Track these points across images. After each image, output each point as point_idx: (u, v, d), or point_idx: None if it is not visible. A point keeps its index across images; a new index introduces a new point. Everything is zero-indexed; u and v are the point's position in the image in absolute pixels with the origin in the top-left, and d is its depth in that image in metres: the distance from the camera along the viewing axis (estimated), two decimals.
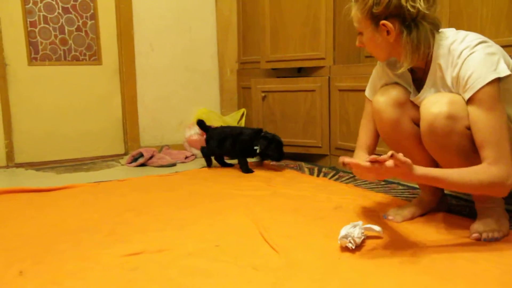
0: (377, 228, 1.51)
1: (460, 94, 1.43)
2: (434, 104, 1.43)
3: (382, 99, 1.63)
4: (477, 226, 1.53)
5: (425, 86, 1.55)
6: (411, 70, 1.62)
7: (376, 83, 1.74)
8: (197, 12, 3.59)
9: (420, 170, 1.32)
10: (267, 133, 2.72)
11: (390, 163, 1.28)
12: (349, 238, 1.42)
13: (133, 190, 2.30)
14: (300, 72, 2.97)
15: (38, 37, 3.05)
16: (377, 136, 1.73)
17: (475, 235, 1.50)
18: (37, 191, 2.29)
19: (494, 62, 1.37)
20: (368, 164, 1.30)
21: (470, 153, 1.43)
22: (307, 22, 2.84)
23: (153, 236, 1.61)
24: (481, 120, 1.36)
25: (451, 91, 1.47)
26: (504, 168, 1.33)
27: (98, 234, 1.64)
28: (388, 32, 1.48)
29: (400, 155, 1.27)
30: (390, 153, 1.28)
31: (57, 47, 3.12)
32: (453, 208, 1.87)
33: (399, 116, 1.61)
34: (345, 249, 1.43)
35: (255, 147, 2.67)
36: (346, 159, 1.34)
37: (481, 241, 1.49)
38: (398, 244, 1.49)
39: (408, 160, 1.28)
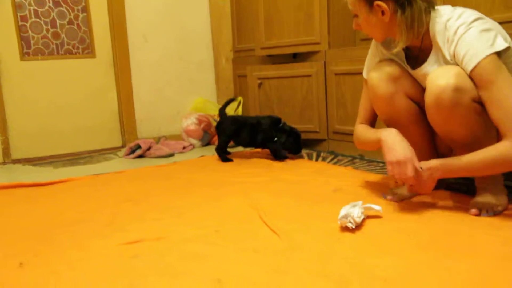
0: (376, 207, 1.51)
1: None
2: (441, 77, 1.42)
3: (376, 74, 1.64)
4: (476, 202, 1.54)
5: (426, 63, 1.55)
6: (406, 48, 1.62)
7: (372, 62, 1.74)
8: (190, 1, 3.57)
9: (431, 164, 1.44)
10: (285, 125, 2.65)
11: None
12: (349, 218, 1.42)
13: (131, 181, 2.30)
14: (296, 57, 2.96)
15: (30, 32, 3.03)
16: (375, 113, 1.76)
17: (474, 210, 1.51)
18: (34, 185, 2.28)
19: (490, 38, 1.37)
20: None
21: (475, 127, 1.44)
22: (301, 7, 2.82)
23: (152, 224, 1.61)
24: (485, 96, 1.37)
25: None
26: None
27: (97, 225, 1.64)
28: (382, 13, 1.49)
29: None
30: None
31: (49, 41, 3.10)
32: (451, 185, 1.87)
33: (394, 91, 1.62)
34: (345, 229, 1.43)
35: (275, 139, 2.62)
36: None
37: (480, 217, 1.49)
38: (397, 223, 1.49)
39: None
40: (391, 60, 1.67)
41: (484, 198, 1.54)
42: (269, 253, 1.31)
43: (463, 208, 1.57)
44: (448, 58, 1.47)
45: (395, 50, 1.57)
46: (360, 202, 1.51)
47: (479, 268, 1.14)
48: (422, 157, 1.79)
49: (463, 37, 1.39)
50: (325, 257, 1.26)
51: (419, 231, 1.40)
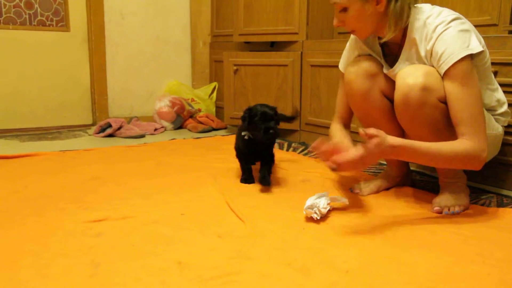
0: (342, 199, 1.53)
1: (434, 67, 1.46)
2: (410, 76, 1.44)
3: (353, 70, 1.65)
4: (439, 200, 1.57)
5: (399, 60, 1.57)
6: (384, 45, 1.64)
7: (349, 56, 1.75)
8: None
9: (396, 141, 1.33)
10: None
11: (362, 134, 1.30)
12: (315, 209, 1.44)
13: (100, 159, 2.27)
14: (273, 46, 2.95)
15: None
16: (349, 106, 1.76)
17: (437, 208, 1.55)
18: None
19: (467, 39, 1.40)
20: (348, 158, 1.33)
21: (441, 126, 1.47)
22: None
23: (118, 204, 1.59)
24: (455, 95, 1.39)
25: (425, 64, 1.49)
26: (479, 142, 1.37)
27: (61, 201, 1.61)
28: (377, 2, 1.48)
29: (371, 129, 1.29)
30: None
31: (22, 11, 3.00)
32: (417, 183, 1.91)
33: (370, 87, 1.63)
34: (310, 219, 1.45)
35: (243, 133, 1.85)
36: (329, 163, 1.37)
37: (442, 214, 1.53)
38: (362, 216, 1.51)
39: (381, 132, 1.29)
40: (369, 56, 1.68)
41: (447, 197, 1.57)
42: (233, 238, 1.31)
43: (427, 205, 1.61)
44: (423, 54, 1.49)
45: (383, 39, 1.56)
46: (326, 193, 1.52)
47: (439, 263, 1.17)
48: None
49: (442, 35, 1.41)
50: (288, 245, 1.27)
51: (382, 225, 1.43)
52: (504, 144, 1.78)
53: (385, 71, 1.64)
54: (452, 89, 1.40)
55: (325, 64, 2.60)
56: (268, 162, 1.88)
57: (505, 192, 1.82)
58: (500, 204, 1.66)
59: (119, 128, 2.98)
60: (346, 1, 1.51)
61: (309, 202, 1.46)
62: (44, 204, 1.58)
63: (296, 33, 2.78)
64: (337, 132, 1.73)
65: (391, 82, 1.65)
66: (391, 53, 1.64)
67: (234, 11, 3.05)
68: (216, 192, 1.75)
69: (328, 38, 2.87)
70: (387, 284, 1.06)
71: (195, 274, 1.09)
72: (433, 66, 1.46)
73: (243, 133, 1.83)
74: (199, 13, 3.64)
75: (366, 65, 1.64)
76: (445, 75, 1.42)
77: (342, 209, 1.56)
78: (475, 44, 1.40)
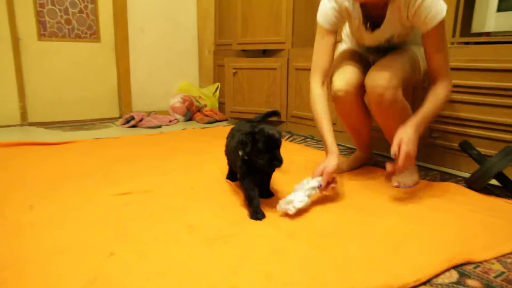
0: (315, 183, 1.33)
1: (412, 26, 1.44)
2: (381, 77, 1.42)
3: (339, 83, 1.56)
4: (397, 177, 1.58)
5: (382, 26, 1.47)
6: (365, 9, 1.49)
7: (328, 14, 1.51)
8: (180, 2, 3.48)
9: (411, 121, 1.35)
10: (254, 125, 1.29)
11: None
12: (290, 205, 1.24)
13: (125, 145, 2.27)
14: (265, 53, 2.94)
15: (46, 17, 2.89)
16: (331, 60, 1.56)
17: (395, 184, 1.56)
18: (46, 144, 2.22)
19: (440, 3, 1.34)
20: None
21: (404, 111, 1.48)
22: (271, 14, 2.79)
23: (140, 180, 1.60)
24: (434, 43, 1.38)
25: (405, 26, 1.44)
26: (448, 76, 1.40)
27: (95, 178, 1.62)
28: None
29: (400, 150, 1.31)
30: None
31: (62, 26, 2.96)
32: (378, 163, 1.92)
33: (356, 97, 1.61)
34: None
35: (241, 153, 1.29)
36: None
37: (399, 188, 1.55)
38: (337, 191, 1.51)
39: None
40: (352, 61, 1.60)
41: (403, 175, 1.58)
42: (233, 207, 1.33)
43: (387, 181, 1.63)
44: (405, 16, 1.39)
45: None
46: (305, 184, 1.33)
47: (396, 225, 1.19)
48: (363, 141, 1.81)
49: (424, 2, 1.32)
50: (277, 214, 1.27)
51: (353, 198, 1.44)
52: (447, 132, 1.80)
53: (364, 34, 1.54)
54: (433, 39, 1.37)
55: (307, 68, 2.58)
56: (267, 192, 1.42)
57: (446, 169, 1.84)
58: (443, 179, 1.68)
59: (140, 120, 2.97)
60: None
61: (288, 197, 1.26)
62: (81, 181, 1.58)
63: (284, 43, 2.77)
64: (327, 128, 1.51)
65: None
66: (371, 15, 1.48)
67: (233, 25, 3.02)
68: (218, 170, 1.76)
69: (310, 46, 2.85)
70: (358, 244, 1.08)
71: (202, 235, 1.11)
72: (412, 25, 1.42)
73: (240, 152, 1.29)
74: (205, 28, 3.61)
75: (351, 77, 1.56)
76: (430, 30, 1.35)
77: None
78: (444, 5, 1.34)
